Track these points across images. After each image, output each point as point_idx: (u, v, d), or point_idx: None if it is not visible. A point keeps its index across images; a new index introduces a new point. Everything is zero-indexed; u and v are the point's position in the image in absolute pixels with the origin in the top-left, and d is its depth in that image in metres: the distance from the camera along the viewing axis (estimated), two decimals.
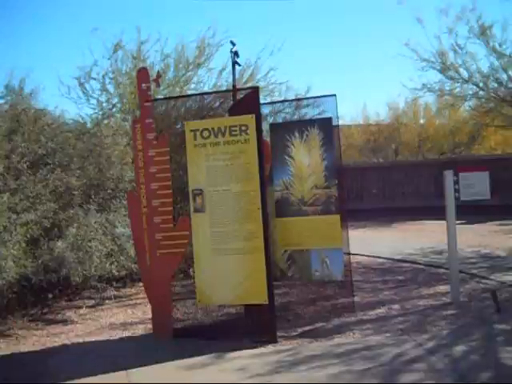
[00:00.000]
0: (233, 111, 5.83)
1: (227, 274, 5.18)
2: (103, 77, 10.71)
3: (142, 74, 5.65)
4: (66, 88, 10.79)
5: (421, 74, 15.44)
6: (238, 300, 5.34)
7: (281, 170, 6.11)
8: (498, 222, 13.06)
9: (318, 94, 6.45)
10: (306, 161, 6.02)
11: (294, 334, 5.31)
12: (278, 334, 5.15)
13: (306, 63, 35.35)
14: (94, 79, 10.70)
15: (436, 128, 20.37)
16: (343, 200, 6.12)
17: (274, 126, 6.31)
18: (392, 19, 34.96)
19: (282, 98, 11.36)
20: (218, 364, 4.60)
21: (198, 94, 8.41)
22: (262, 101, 5.48)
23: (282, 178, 6.11)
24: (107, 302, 7.06)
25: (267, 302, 5.05)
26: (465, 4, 14.19)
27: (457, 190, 6.14)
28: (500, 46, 13.85)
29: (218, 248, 5.20)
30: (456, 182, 6.13)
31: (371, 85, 37.21)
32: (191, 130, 5.30)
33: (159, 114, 5.93)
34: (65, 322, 6.33)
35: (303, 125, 6.10)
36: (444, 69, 14.17)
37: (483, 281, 7.12)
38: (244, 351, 4.84)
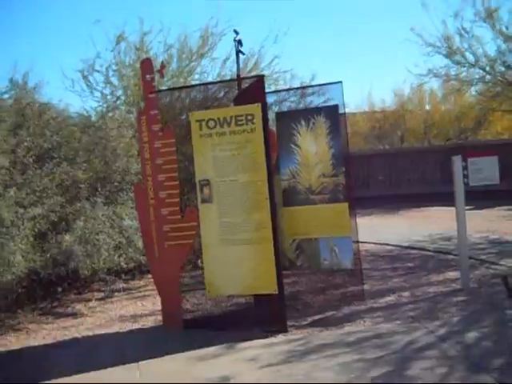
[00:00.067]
0: (238, 101, 5.78)
1: (236, 264, 5.16)
2: (107, 69, 10.66)
3: (146, 64, 5.60)
4: (70, 81, 10.76)
5: (426, 59, 15.33)
6: (247, 290, 5.33)
7: (287, 159, 6.07)
8: (506, 207, 13.03)
9: (323, 82, 6.40)
10: (312, 149, 5.98)
11: (304, 323, 5.30)
12: (288, 323, 5.14)
13: (311, 51, 35.10)
14: (98, 72, 10.66)
15: (442, 114, 20.24)
16: (351, 188, 6.08)
17: (279, 115, 6.26)
18: (397, 4, 34.59)
19: (287, 87, 11.33)
20: (229, 354, 4.59)
21: (203, 84, 8.38)
22: (266, 90, 5.41)
23: (288, 167, 6.07)
24: (116, 294, 7.06)
25: (277, 292, 5.04)
26: None
27: (465, 176, 6.08)
28: (507, 28, 13.66)
29: (226, 238, 5.18)
30: (465, 168, 6.07)
31: (376, 72, 36.99)
32: (197, 121, 5.26)
33: (164, 106, 5.89)
34: (74, 315, 6.34)
35: (309, 113, 6.04)
36: (450, 53, 14.00)
37: (493, 266, 7.09)
38: (255, 341, 4.83)
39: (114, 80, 10.88)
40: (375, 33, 38.65)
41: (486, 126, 19.79)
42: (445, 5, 20.10)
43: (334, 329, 5.05)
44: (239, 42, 6.99)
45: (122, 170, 7.73)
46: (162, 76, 5.95)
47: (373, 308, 5.64)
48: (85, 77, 10.53)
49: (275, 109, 6.71)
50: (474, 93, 17.36)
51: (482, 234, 9.27)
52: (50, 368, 4.62)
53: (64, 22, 28.90)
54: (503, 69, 14.22)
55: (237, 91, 6.30)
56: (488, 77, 14.44)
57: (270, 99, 6.37)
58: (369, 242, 9.32)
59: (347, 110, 6.10)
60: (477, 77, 14.64)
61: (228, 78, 11.05)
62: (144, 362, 4.56)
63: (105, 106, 10.55)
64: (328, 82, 6.19)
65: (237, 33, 6.95)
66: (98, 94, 10.86)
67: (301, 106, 6.65)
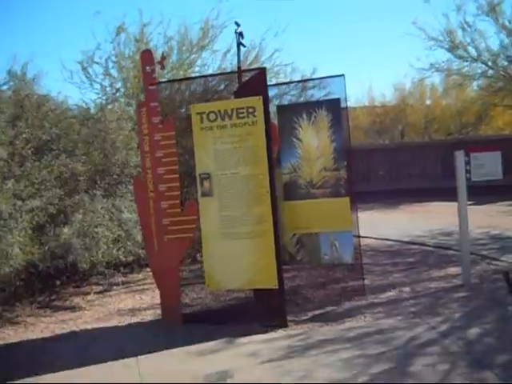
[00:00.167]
0: (239, 93, 5.72)
1: (236, 258, 5.12)
2: (106, 61, 10.58)
3: (146, 56, 5.52)
4: (69, 73, 10.69)
5: (428, 53, 15.23)
6: (247, 285, 5.28)
7: (289, 153, 6.01)
8: (507, 203, 12.99)
9: (324, 76, 6.33)
10: (314, 143, 5.92)
11: (305, 318, 5.26)
12: (288, 318, 5.10)
13: (311, 44, 35.02)
14: (97, 63, 10.58)
15: (443, 109, 20.16)
16: (352, 182, 6.02)
17: (281, 108, 6.20)
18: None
19: (288, 80, 11.25)
20: (229, 349, 4.55)
21: (203, 76, 8.31)
22: (267, 82, 5.36)
23: (289, 161, 6.01)
24: (115, 287, 7.02)
25: (277, 287, 4.99)
26: None
27: (468, 171, 6.03)
28: (510, 22, 13.59)
29: (227, 232, 5.13)
30: (467, 163, 6.02)
31: (377, 66, 36.83)
32: (197, 113, 5.20)
33: (163, 98, 5.83)
34: (73, 308, 6.30)
35: (311, 106, 5.98)
36: (452, 47, 13.93)
37: (494, 262, 7.05)
38: (254, 336, 4.78)
39: (114, 72, 10.83)
40: (376, 27, 38.50)
41: (487, 121, 19.72)
42: None
43: (334, 324, 5.00)
44: (240, 34, 6.90)
45: (121, 163, 7.67)
46: (163, 67, 5.87)
47: (373, 303, 5.60)
48: (84, 68, 10.47)
49: (276, 102, 6.65)
50: (475, 87, 17.32)
51: (483, 230, 9.22)
52: (47, 361, 4.58)
53: (64, 14, 28.75)
54: (506, 63, 14.17)
55: (237, 84, 6.24)
56: (490, 71, 14.38)
57: (270, 92, 6.29)
58: (369, 237, 9.27)
59: (348, 105, 6.02)
60: (479, 71, 14.59)
61: (229, 70, 10.97)
62: (143, 356, 4.51)
63: (104, 98, 10.49)
64: (330, 75, 6.13)
65: (238, 25, 6.86)
66: (97, 85, 10.81)
67: (301, 99, 6.59)
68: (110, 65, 10.69)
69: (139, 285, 7.18)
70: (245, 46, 7.49)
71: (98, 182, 7.16)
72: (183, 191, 5.95)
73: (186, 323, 5.29)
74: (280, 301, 5.05)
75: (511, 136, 17.75)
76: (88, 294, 6.84)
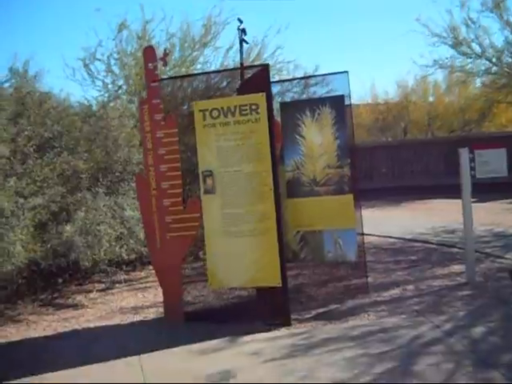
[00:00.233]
0: (242, 90, 5.69)
1: (239, 256, 5.09)
2: (108, 58, 10.56)
3: (149, 52, 5.49)
4: (71, 70, 10.66)
5: (432, 49, 15.08)
6: (250, 283, 5.25)
7: (292, 150, 5.98)
8: (510, 200, 12.91)
9: (328, 72, 6.28)
10: (317, 140, 5.88)
11: (308, 316, 5.23)
12: (292, 316, 5.07)
13: (314, 41, 34.87)
14: (99, 60, 10.55)
15: (445, 106, 20.07)
16: (356, 180, 5.99)
17: (284, 105, 6.17)
18: None
19: (291, 77, 11.19)
20: (231, 348, 4.52)
21: (206, 73, 8.27)
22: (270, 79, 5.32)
23: (293, 158, 5.98)
24: (117, 285, 7.00)
25: (280, 285, 4.96)
26: None
27: (472, 168, 5.98)
28: None
29: (230, 230, 5.10)
30: (472, 160, 5.97)
31: (379, 64, 36.69)
32: (200, 110, 5.17)
33: (165, 96, 5.79)
34: (75, 306, 6.28)
35: (314, 103, 5.94)
36: (456, 44, 13.84)
37: (498, 260, 7.00)
38: (257, 335, 4.76)
39: (116, 69, 10.79)
40: (378, 24, 38.38)
41: (491, 118, 19.62)
42: None
43: (337, 322, 4.97)
44: (243, 31, 6.87)
45: (123, 160, 7.64)
46: (165, 64, 5.83)
47: (377, 301, 5.56)
48: (86, 65, 10.44)
49: (278, 99, 6.63)
50: (478, 84, 17.24)
51: (486, 227, 9.16)
52: (49, 360, 4.56)
53: (65, 11, 28.67)
54: (510, 60, 14.07)
55: (239, 81, 6.20)
56: (494, 68, 14.29)
57: (273, 89, 6.28)
58: (371, 235, 9.22)
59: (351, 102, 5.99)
60: (483, 68, 14.50)
61: (231, 67, 10.93)
62: (145, 355, 4.49)
63: (106, 95, 10.47)
64: (333, 72, 6.09)
65: (241, 21, 6.83)
66: (99, 83, 10.78)
67: (304, 96, 6.56)
68: (112, 62, 10.67)
69: (141, 283, 7.16)
70: (247, 43, 7.47)
71: (101, 180, 7.14)
72: (185, 189, 5.92)
73: (189, 321, 5.26)
74: (283, 299, 5.02)
75: None
76: (90, 291, 6.83)
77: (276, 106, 6.05)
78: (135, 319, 5.62)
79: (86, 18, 23.42)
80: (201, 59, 11.63)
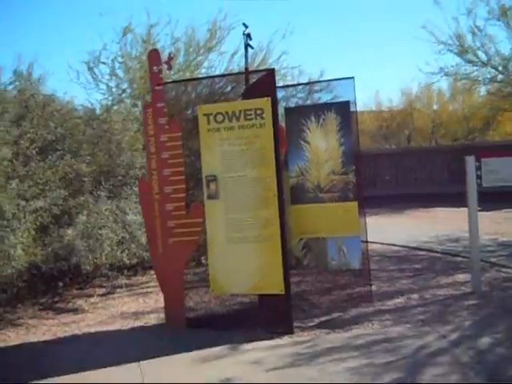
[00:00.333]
0: (247, 95, 5.64)
1: (242, 262, 5.02)
2: (112, 61, 10.50)
3: (153, 55, 5.45)
4: (75, 73, 10.60)
5: (437, 57, 14.96)
6: (252, 289, 5.18)
7: (296, 156, 5.92)
8: None
9: (333, 78, 6.24)
10: (322, 146, 5.83)
11: (311, 324, 5.16)
12: (294, 324, 5.00)
13: (318, 49, 34.85)
14: (104, 63, 10.50)
15: (449, 114, 20.02)
16: (360, 186, 5.92)
17: (288, 110, 6.12)
18: (407, 1, 34.20)
19: (295, 83, 11.15)
20: (233, 356, 4.45)
21: (211, 77, 8.24)
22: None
23: (297, 164, 5.93)
24: (118, 290, 6.94)
25: (283, 292, 4.89)
26: None
27: (479, 177, 5.93)
28: None
29: (233, 236, 5.04)
30: (478, 168, 5.92)
31: (384, 69, 36.64)
32: (204, 114, 5.12)
33: (170, 100, 5.75)
34: (75, 310, 6.22)
35: (320, 109, 5.89)
36: (462, 51, 13.76)
37: (503, 270, 6.93)
38: (259, 342, 4.68)
39: (120, 72, 10.74)
40: (383, 31, 38.36)
41: (495, 126, 19.55)
42: (457, 2, 19.71)
43: (341, 331, 4.90)
44: (248, 36, 6.83)
45: (126, 164, 7.61)
46: (170, 68, 5.79)
47: (381, 310, 5.49)
48: (90, 68, 10.39)
49: (283, 104, 6.57)
50: (483, 93, 17.16)
51: (490, 236, 9.09)
52: (48, 365, 4.51)
53: (70, 14, 28.71)
54: None
55: (244, 86, 6.16)
56: (500, 76, 14.21)
57: (278, 94, 6.22)
58: (375, 242, 9.15)
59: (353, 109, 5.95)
60: (488, 76, 14.42)
61: (236, 72, 10.89)
62: (145, 361, 4.42)
63: (110, 98, 10.41)
64: (338, 77, 6.04)
65: (246, 26, 6.79)
66: (103, 86, 10.72)
67: (308, 102, 6.51)
68: (117, 65, 10.63)
69: (143, 288, 7.10)
70: (253, 48, 7.42)
71: (103, 183, 7.09)
72: (189, 193, 5.86)
73: (190, 327, 5.20)
74: (286, 307, 4.95)
75: None
76: (91, 296, 6.77)
77: (280, 111, 6.00)
78: (136, 325, 5.55)
79: (90, 20, 23.39)
80: (205, 64, 11.60)
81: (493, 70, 14.10)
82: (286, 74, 12.22)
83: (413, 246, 9.03)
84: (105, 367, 4.34)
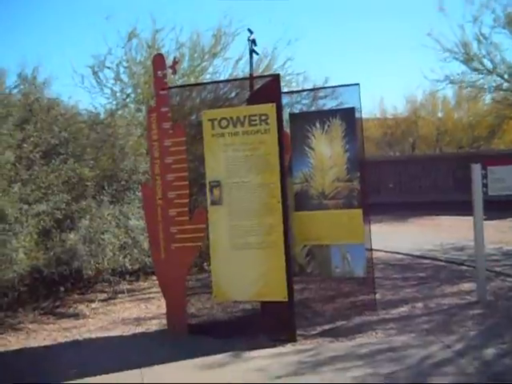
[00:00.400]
0: (252, 100, 5.59)
1: (245, 269, 4.98)
2: (117, 66, 10.48)
3: (158, 60, 5.43)
4: (80, 77, 10.58)
5: (443, 64, 14.94)
6: (255, 296, 5.13)
7: (300, 162, 5.88)
8: None
9: (339, 84, 6.20)
10: (327, 152, 5.79)
11: (314, 332, 5.10)
12: (297, 332, 4.94)
13: (323, 54, 34.85)
14: (108, 68, 10.47)
15: (454, 122, 19.98)
16: (365, 194, 5.87)
17: (293, 116, 6.08)
18: (412, 9, 34.22)
19: (300, 89, 11.12)
20: (236, 364, 4.40)
21: (215, 82, 8.20)
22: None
23: (301, 170, 5.88)
24: (120, 295, 6.89)
25: (287, 299, 4.84)
26: None
27: (485, 185, 5.87)
28: None
29: (236, 242, 4.99)
30: (484, 176, 5.86)
31: (388, 78, 36.65)
32: (209, 119, 5.09)
33: (174, 105, 5.73)
34: (77, 316, 6.18)
35: (325, 115, 5.85)
36: (467, 59, 13.71)
37: (508, 279, 6.86)
38: (262, 350, 4.63)
39: (125, 77, 10.72)
40: (388, 38, 38.39)
41: (500, 134, 19.49)
42: (463, 10, 19.66)
43: (344, 340, 4.84)
44: (253, 42, 6.80)
45: (129, 169, 7.58)
46: (175, 72, 5.77)
47: (385, 319, 5.42)
48: (95, 73, 10.36)
49: (287, 111, 6.54)
50: (488, 101, 17.11)
51: (495, 245, 9.01)
52: (48, 371, 4.48)
53: (78, 21, 28.81)
54: None
55: (248, 92, 6.13)
56: (506, 84, 14.16)
57: (282, 100, 6.18)
58: (379, 250, 9.08)
59: (358, 116, 5.91)
60: (494, 84, 14.36)
61: (240, 77, 10.86)
62: (147, 368, 4.37)
63: (114, 103, 10.39)
64: (344, 84, 6.00)
65: (251, 32, 6.76)
66: (107, 90, 10.70)
67: (312, 109, 6.48)
68: (121, 70, 10.61)
69: (144, 293, 7.06)
70: (258, 54, 7.39)
71: (106, 188, 7.06)
72: (192, 199, 5.83)
73: (192, 334, 5.15)
74: (289, 314, 4.90)
75: None
76: (92, 301, 6.72)
77: (285, 116, 5.96)
78: (137, 331, 5.51)
79: (97, 24, 23.45)
80: (210, 69, 11.57)
81: (498, 78, 14.05)
82: (291, 81, 12.20)
83: (417, 254, 8.97)
84: (106, 373, 4.29)
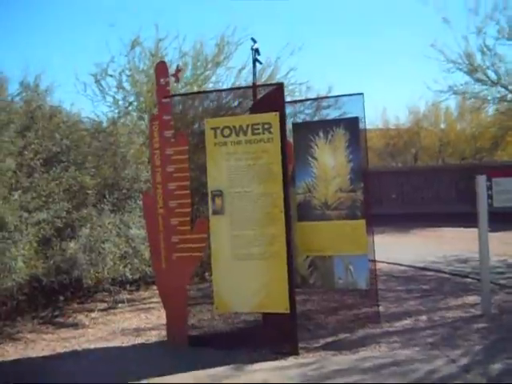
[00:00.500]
0: (255, 109, 5.56)
1: (247, 279, 4.90)
2: (120, 74, 10.48)
3: (161, 67, 5.39)
4: (82, 85, 10.58)
5: (446, 75, 14.86)
6: (257, 308, 5.05)
7: (303, 172, 5.82)
8: None
9: (342, 94, 6.15)
10: (330, 162, 5.73)
11: (316, 345, 5.01)
12: (300, 345, 4.86)
13: (326, 64, 34.92)
14: (111, 76, 10.47)
15: (457, 133, 19.95)
16: (368, 204, 5.80)
17: (296, 126, 6.03)
18: (415, 20, 34.30)
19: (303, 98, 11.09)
20: (238, 377, 4.31)
21: (218, 91, 8.18)
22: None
23: (304, 180, 5.82)
24: (120, 305, 6.81)
25: (289, 311, 4.76)
26: (496, 3, 13.50)
27: (490, 196, 5.80)
28: None
29: (238, 252, 4.92)
30: (489, 188, 5.80)
31: (391, 88, 36.66)
32: (211, 128, 5.04)
33: (176, 113, 5.68)
34: (76, 325, 6.10)
35: (328, 124, 5.81)
36: (471, 70, 13.64)
37: None
38: (264, 363, 4.55)
39: (127, 85, 10.71)
40: (391, 49, 38.42)
41: (503, 146, 19.43)
42: (467, 21, 19.63)
43: (347, 353, 4.75)
44: (256, 51, 6.77)
45: (130, 178, 7.54)
46: (178, 80, 5.73)
47: (388, 332, 5.34)
48: (97, 81, 10.36)
49: (290, 120, 6.49)
50: (491, 112, 17.06)
51: (499, 258, 8.92)
52: (45, 382, 4.37)
53: (81, 29, 28.92)
54: None
55: (251, 101, 6.09)
56: (510, 96, 14.09)
57: (286, 110, 6.14)
58: (381, 261, 9.00)
59: (362, 126, 5.86)
60: (498, 95, 14.30)
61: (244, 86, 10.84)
62: (145, 380, 4.29)
63: (116, 111, 10.37)
64: (347, 93, 5.95)
65: (254, 41, 6.73)
66: (110, 98, 10.69)
67: (315, 119, 6.43)
68: (124, 78, 10.60)
69: (145, 303, 6.98)
70: (261, 63, 7.35)
71: (107, 197, 7.01)
72: (194, 208, 5.77)
73: (192, 346, 5.06)
74: (291, 326, 4.82)
75: None
76: (92, 311, 6.64)
77: (288, 126, 5.91)
78: (137, 341, 5.42)
79: (100, 32, 23.52)
80: (213, 78, 11.57)
81: (502, 90, 13.97)
82: (294, 90, 12.17)
83: (420, 266, 8.89)
84: None
